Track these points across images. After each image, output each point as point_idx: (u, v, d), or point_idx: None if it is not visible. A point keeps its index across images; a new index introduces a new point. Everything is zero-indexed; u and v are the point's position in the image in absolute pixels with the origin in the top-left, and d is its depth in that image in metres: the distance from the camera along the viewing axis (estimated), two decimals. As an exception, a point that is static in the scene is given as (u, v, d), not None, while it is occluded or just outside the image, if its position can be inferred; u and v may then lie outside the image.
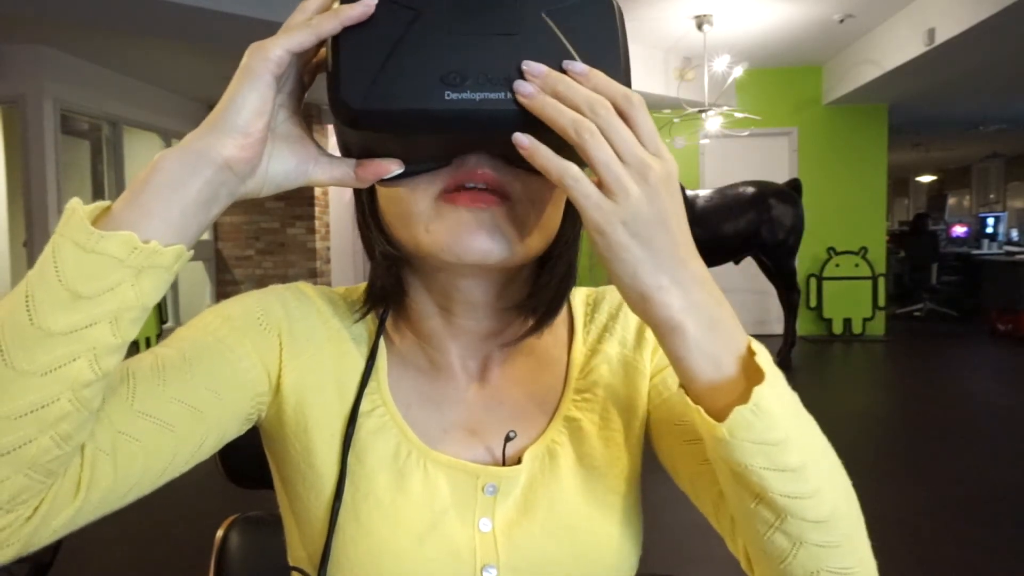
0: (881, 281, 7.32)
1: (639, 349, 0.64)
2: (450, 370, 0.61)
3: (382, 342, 0.61)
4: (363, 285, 0.63)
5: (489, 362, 0.62)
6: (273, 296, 0.59)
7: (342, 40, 0.44)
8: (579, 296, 0.67)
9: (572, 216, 0.58)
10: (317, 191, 8.14)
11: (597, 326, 0.65)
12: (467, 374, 0.61)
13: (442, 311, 0.59)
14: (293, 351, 0.58)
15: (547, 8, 0.45)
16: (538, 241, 0.54)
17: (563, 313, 0.65)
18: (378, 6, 0.44)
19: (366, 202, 0.57)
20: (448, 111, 0.43)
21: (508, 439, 0.58)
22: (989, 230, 10.04)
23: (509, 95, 0.44)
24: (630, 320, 0.65)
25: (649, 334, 0.64)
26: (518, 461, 0.59)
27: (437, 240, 0.51)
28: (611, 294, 0.67)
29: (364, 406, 0.58)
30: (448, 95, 0.43)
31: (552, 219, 0.55)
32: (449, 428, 0.59)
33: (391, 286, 0.58)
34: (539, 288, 0.59)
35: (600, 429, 0.61)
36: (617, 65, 0.46)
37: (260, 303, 0.58)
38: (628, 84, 0.46)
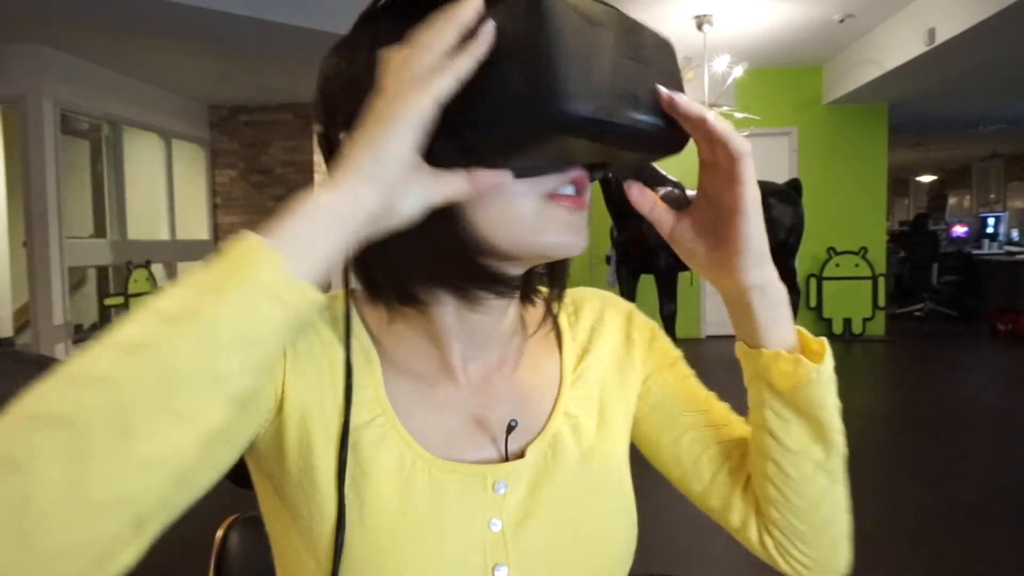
0: (881, 281, 7.32)
1: (629, 349, 0.68)
2: (451, 371, 0.61)
3: (374, 350, 0.59)
4: (340, 292, 0.61)
5: (490, 360, 0.62)
6: None
7: (553, 50, 0.44)
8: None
9: None
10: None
11: (584, 327, 0.68)
12: (467, 374, 0.61)
13: (462, 308, 0.58)
14: (296, 366, 0.56)
15: (654, 44, 0.51)
16: None
17: (544, 310, 0.67)
18: (571, 18, 0.45)
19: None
20: (630, 128, 0.47)
21: (510, 428, 0.58)
22: (989, 230, 10.03)
23: (657, 121, 0.49)
24: (616, 325, 0.69)
25: (636, 335, 0.69)
26: (522, 456, 0.60)
27: (546, 240, 0.53)
28: (590, 302, 0.70)
29: (363, 416, 0.57)
30: (629, 114, 0.47)
31: None
32: (452, 431, 0.59)
33: (475, 279, 0.55)
34: (554, 267, 0.63)
35: (598, 421, 0.64)
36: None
37: None
38: None
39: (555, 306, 0.65)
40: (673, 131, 0.50)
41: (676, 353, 0.71)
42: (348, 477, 0.55)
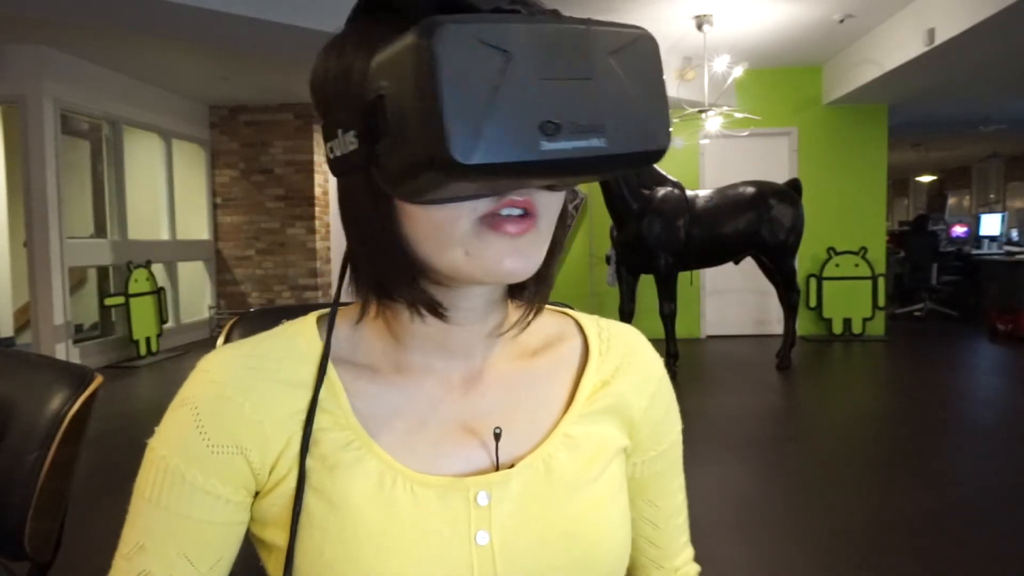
0: (881, 281, 7.33)
1: (645, 403, 0.66)
2: (437, 379, 0.60)
3: (333, 373, 0.58)
4: (306, 323, 0.61)
5: (480, 365, 0.61)
6: (192, 431, 0.55)
7: (446, 89, 0.41)
8: (590, 325, 0.68)
9: (562, 217, 0.58)
10: (317, 191, 8.14)
11: (612, 362, 0.66)
12: (456, 379, 0.60)
13: (442, 318, 0.57)
14: (261, 452, 0.56)
15: (611, 49, 0.46)
16: (547, 245, 0.55)
17: (575, 336, 0.67)
18: (474, 48, 0.42)
19: (389, 220, 0.52)
20: (545, 161, 0.43)
21: (497, 435, 0.58)
22: (988, 230, 10.04)
23: (595, 142, 0.44)
24: (646, 372, 0.67)
25: (660, 400, 0.68)
26: (511, 467, 0.58)
27: (479, 264, 0.51)
28: (624, 338, 0.68)
29: (338, 440, 0.56)
30: (544, 145, 0.43)
31: (553, 228, 0.56)
32: (438, 441, 0.58)
33: (419, 299, 0.55)
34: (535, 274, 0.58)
35: (599, 445, 0.62)
36: (665, 102, 0.49)
37: (189, 448, 0.55)
38: (669, 118, 0.49)
39: (528, 314, 0.61)
40: (640, 142, 0.47)
41: (678, 431, 0.71)
42: (326, 503, 0.55)
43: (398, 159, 0.44)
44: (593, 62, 0.45)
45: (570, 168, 0.44)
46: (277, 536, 0.57)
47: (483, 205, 0.49)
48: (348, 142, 0.48)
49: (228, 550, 0.56)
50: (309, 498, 0.55)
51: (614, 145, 0.45)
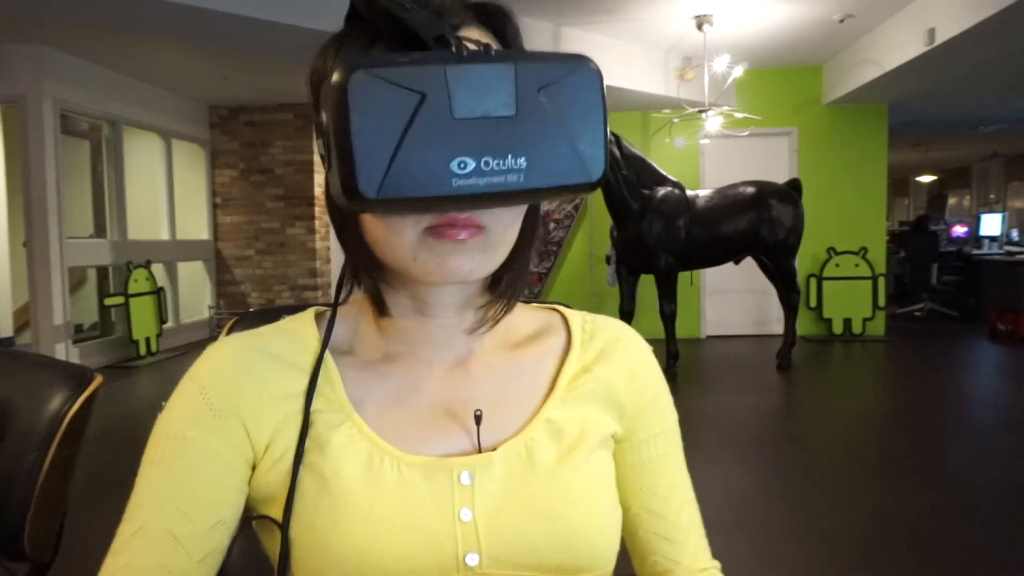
0: (881, 281, 7.32)
1: (630, 384, 0.69)
2: (424, 365, 0.64)
3: (330, 360, 0.63)
4: (308, 312, 0.67)
5: (465, 354, 0.65)
6: (197, 399, 0.60)
7: (355, 129, 0.44)
8: (575, 318, 0.71)
9: (531, 218, 0.62)
10: (317, 191, 8.14)
11: (594, 350, 0.69)
12: (442, 367, 0.64)
13: (418, 313, 0.63)
14: (257, 427, 0.60)
15: (540, 85, 0.47)
16: (505, 252, 0.59)
17: (560, 329, 0.70)
18: (386, 91, 0.44)
19: (351, 222, 0.59)
20: (458, 195, 0.46)
21: (478, 418, 0.61)
22: (988, 230, 10.04)
23: (512, 178, 0.46)
24: (629, 354, 0.70)
25: (648, 383, 0.70)
26: (494, 450, 0.62)
27: (424, 268, 0.55)
28: (608, 329, 0.71)
29: (331, 421, 0.61)
30: (456, 182, 0.45)
31: (515, 232, 0.60)
32: (423, 424, 0.62)
33: (375, 295, 0.62)
34: (508, 271, 0.63)
35: (581, 429, 0.64)
36: (601, 138, 0.49)
37: (194, 410, 0.60)
38: (607, 154, 0.49)
39: (500, 310, 0.65)
40: (566, 176, 0.47)
41: (673, 420, 0.72)
42: (319, 479, 0.58)
43: (332, 179, 0.47)
44: (518, 99, 0.46)
45: (488, 200, 0.47)
46: (274, 512, 0.60)
47: (426, 219, 0.53)
48: (321, 146, 0.51)
49: (227, 514, 0.59)
50: (303, 474, 0.59)
51: (534, 180, 0.46)
